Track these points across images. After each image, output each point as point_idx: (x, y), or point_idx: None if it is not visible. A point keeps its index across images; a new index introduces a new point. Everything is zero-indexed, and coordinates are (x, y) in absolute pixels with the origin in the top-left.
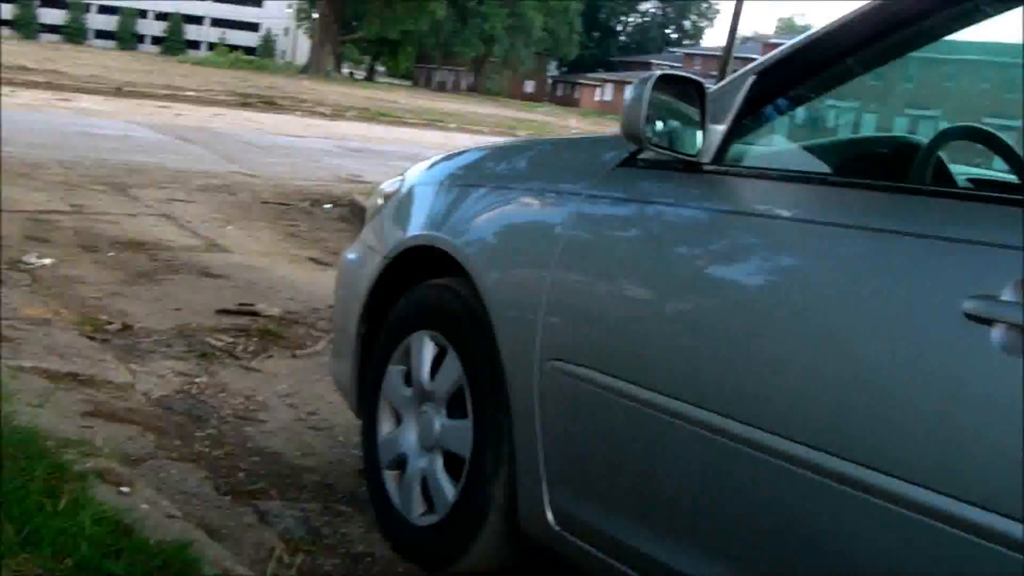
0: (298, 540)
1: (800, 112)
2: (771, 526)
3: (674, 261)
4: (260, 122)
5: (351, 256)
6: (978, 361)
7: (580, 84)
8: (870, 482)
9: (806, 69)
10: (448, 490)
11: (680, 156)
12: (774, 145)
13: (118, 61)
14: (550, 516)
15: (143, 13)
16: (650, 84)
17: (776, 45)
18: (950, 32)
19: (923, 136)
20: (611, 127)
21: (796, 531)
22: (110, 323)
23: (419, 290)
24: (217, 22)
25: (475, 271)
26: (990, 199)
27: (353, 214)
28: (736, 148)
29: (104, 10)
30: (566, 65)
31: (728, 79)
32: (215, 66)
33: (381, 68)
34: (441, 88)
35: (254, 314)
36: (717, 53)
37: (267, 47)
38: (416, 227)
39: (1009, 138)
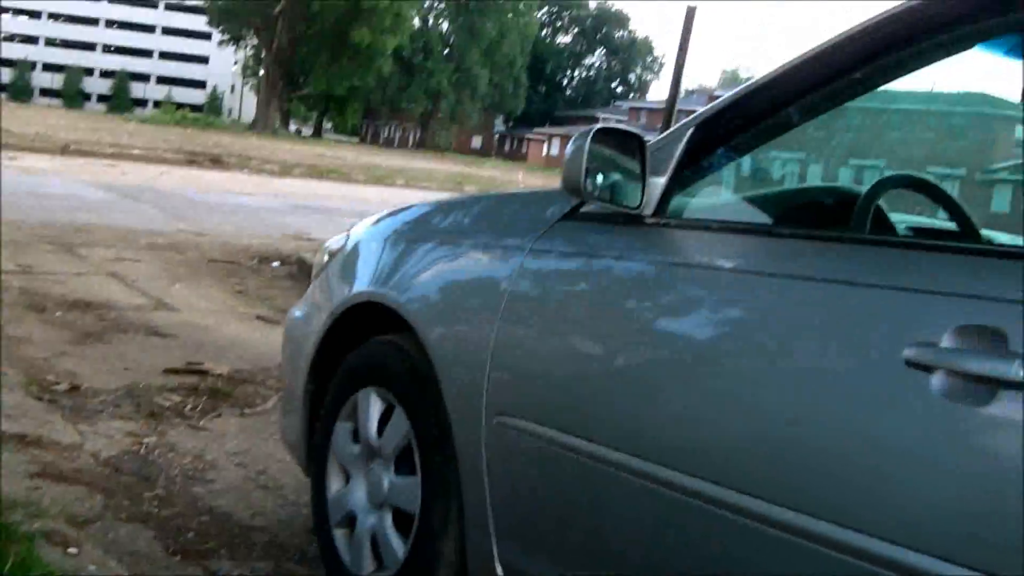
0: None
1: (740, 163)
2: None
3: (616, 314)
4: (207, 180)
5: (298, 313)
6: (920, 408)
7: (527, 139)
8: (818, 532)
9: (745, 120)
10: (398, 547)
11: (621, 209)
12: (715, 196)
13: (64, 119)
14: (500, 571)
15: (89, 71)
16: (590, 138)
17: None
18: (886, 81)
19: (866, 185)
20: (557, 181)
21: None
22: (58, 383)
23: (366, 347)
24: (163, 80)
25: (420, 327)
26: (928, 247)
27: (301, 271)
28: (677, 200)
29: (49, 68)
30: (513, 120)
31: (668, 131)
32: (162, 124)
33: (328, 124)
34: (389, 144)
35: (202, 373)
36: (662, 106)
37: (214, 104)
38: (361, 283)
39: (955, 186)
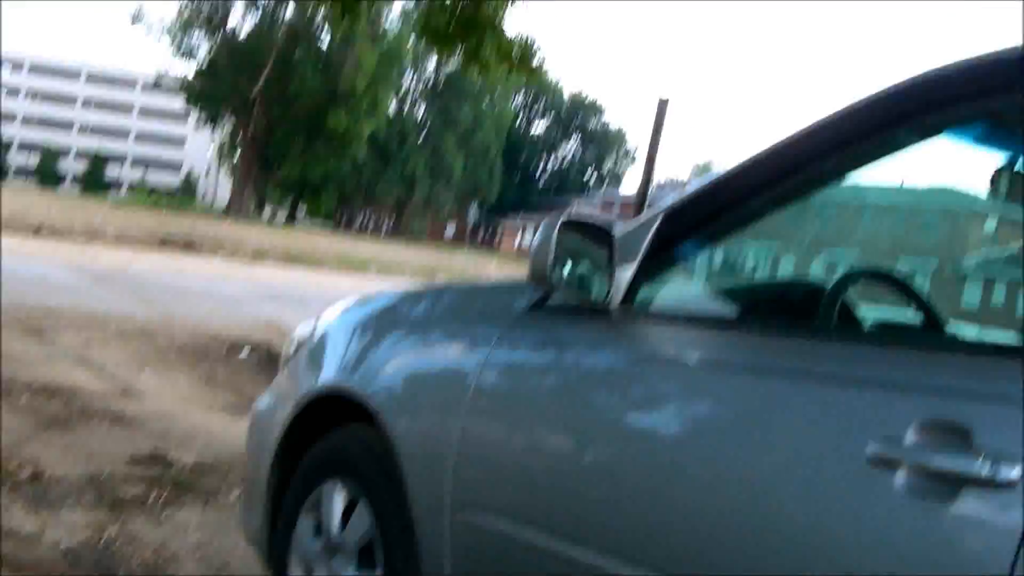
0: None
1: (708, 254)
2: None
3: (582, 408)
4: (179, 266)
5: (264, 404)
6: (884, 506)
7: (501, 228)
8: None
9: (713, 210)
10: None
11: (588, 300)
12: (683, 287)
13: (37, 200)
14: None
15: (65, 152)
16: (557, 228)
17: None
18: (854, 170)
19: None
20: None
21: None
22: (20, 469)
23: (330, 438)
24: (139, 161)
25: (384, 419)
26: (893, 341)
27: (270, 360)
28: (645, 290)
29: (25, 147)
30: (487, 207)
31: (635, 222)
32: (135, 207)
33: (303, 209)
34: (363, 230)
35: (167, 463)
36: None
37: (188, 188)
38: (328, 373)
39: (926, 280)
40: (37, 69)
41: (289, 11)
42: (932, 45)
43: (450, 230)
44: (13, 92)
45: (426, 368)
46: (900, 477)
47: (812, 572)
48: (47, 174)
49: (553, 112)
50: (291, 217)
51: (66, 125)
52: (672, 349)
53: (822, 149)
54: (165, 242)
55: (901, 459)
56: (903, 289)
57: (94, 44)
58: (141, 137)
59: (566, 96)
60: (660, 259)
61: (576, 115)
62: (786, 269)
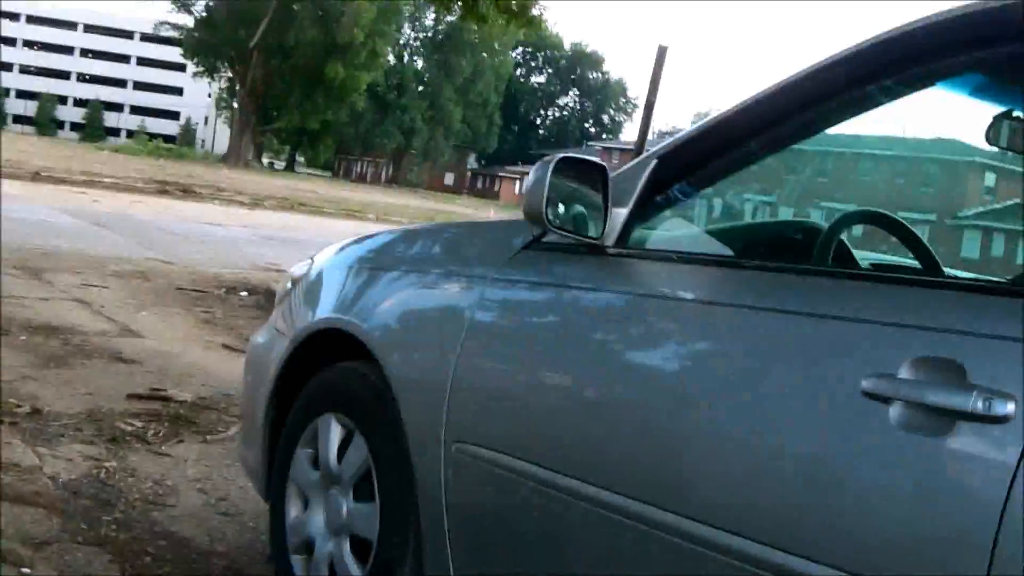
0: None
1: (702, 196)
2: None
3: (577, 343)
4: (178, 210)
5: (260, 340)
6: (878, 438)
7: (499, 177)
8: (775, 561)
9: (706, 154)
10: (356, 573)
11: (582, 239)
12: (678, 229)
13: (36, 146)
14: None
15: (63, 100)
16: (551, 167)
17: None
18: (846, 118)
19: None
20: None
21: None
22: (19, 406)
23: (327, 373)
24: (137, 110)
25: (381, 354)
26: (888, 280)
27: (268, 301)
28: (639, 231)
29: (23, 95)
30: (485, 158)
31: (631, 163)
32: (134, 154)
33: (301, 158)
34: (361, 179)
35: (166, 399)
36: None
37: (187, 136)
38: (324, 310)
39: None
40: (34, 20)
41: None
42: None
43: (449, 179)
44: (10, 41)
45: (423, 304)
46: (894, 411)
47: (807, 503)
48: (45, 122)
49: (552, 63)
50: (289, 166)
51: (64, 74)
52: (668, 286)
53: (813, 95)
54: (164, 187)
55: (896, 394)
56: (901, 232)
57: None
58: (139, 86)
59: (566, 46)
60: (655, 200)
61: (575, 66)
62: (780, 215)
